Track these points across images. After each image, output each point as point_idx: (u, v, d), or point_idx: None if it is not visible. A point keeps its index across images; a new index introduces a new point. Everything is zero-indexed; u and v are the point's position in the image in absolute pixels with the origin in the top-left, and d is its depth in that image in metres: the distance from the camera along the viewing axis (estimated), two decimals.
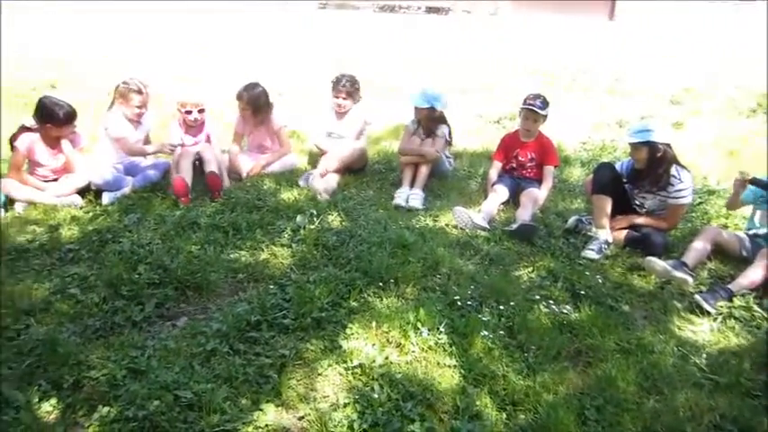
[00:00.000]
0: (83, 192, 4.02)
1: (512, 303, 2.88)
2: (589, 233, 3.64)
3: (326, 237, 3.45)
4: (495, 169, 4.29)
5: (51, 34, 12.16)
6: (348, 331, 2.62)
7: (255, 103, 4.48)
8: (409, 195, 4.13)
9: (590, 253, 3.44)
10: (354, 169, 4.61)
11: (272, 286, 2.98)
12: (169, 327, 2.71)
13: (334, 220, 3.75)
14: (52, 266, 3.16)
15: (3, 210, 3.76)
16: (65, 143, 4.00)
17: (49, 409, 2.17)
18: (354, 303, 2.84)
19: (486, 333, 2.62)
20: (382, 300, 2.87)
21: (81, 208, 3.87)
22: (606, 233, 3.55)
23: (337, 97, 4.55)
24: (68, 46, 10.68)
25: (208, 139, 4.59)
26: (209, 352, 2.46)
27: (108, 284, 2.91)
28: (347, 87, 4.51)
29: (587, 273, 3.24)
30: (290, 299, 2.83)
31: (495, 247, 3.51)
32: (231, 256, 3.29)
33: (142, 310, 2.76)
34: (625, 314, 2.90)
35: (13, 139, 3.95)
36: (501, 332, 2.66)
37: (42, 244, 3.37)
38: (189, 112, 4.44)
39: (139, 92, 4.20)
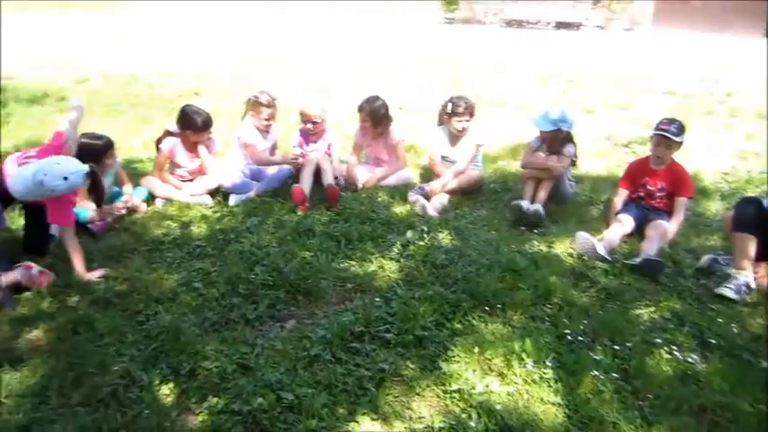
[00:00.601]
0: (213, 193, 4.35)
1: (628, 344, 2.67)
2: (726, 272, 3.29)
3: (435, 254, 3.44)
4: (620, 197, 4.02)
5: (196, 46, 13.34)
6: (449, 353, 2.58)
7: (375, 116, 4.59)
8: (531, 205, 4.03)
9: (726, 291, 3.09)
10: (469, 192, 4.56)
11: (377, 299, 3.01)
12: (278, 328, 2.83)
13: (445, 237, 3.72)
14: (181, 260, 3.44)
15: (145, 204, 4.17)
16: (201, 148, 4.35)
17: (166, 392, 2.35)
18: (458, 325, 2.79)
19: (597, 373, 2.45)
20: (487, 325, 2.80)
21: (210, 208, 4.19)
22: (748, 276, 3.19)
23: (454, 121, 4.48)
24: (211, 58, 11.64)
25: (328, 150, 4.76)
26: (313, 357, 2.53)
27: (227, 281, 3.11)
28: (464, 111, 4.44)
29: (720, 319, 2.93)
30: (395, 313, 2.84)
31: (614, 281, 3.29)
32: (341, 265, 3.38)
33: (255, 309, 2.91)
34: (765, 372, 2.58)
35: (158, 142, 4.37)
36: (614, 374, 2.48)
37: (175, 238, 3.69)
38: (309, 123, 4.64)
39: (268, 105, 4.47)
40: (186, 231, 3.79)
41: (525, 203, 4.01)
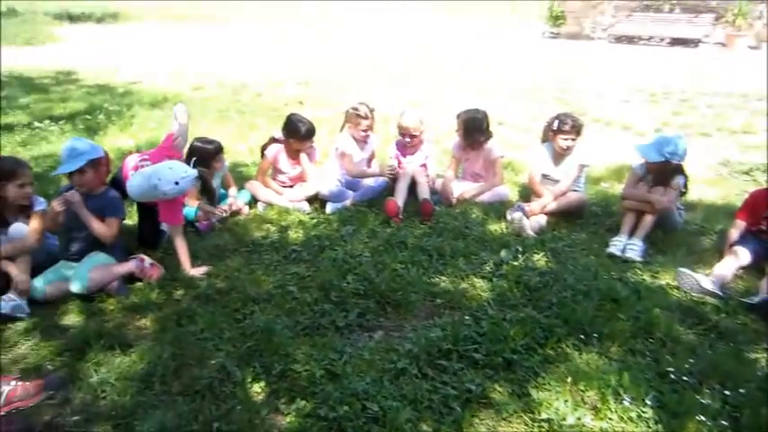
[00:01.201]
0: (311, 200, 4.49)
1: (741, 390, 2.44)
2: None
3: (529, 276, 3.33)
4: (736, 229, 3.69)
5: (303, 55, 13.89)
6: (540, 380, 2.48)
7: (468, 126, 4.53)
8: (627, 245, 3.76)
9: None
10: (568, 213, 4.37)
11: (467, 317, 2.96)
12: (366, 337, 2.85)
13: (540, 259, 3.60)
14: (278, 263, 3.57)
15: (247, 207, 4.38)
16: (303, 156, 4.52)
17: (258, 390, 2.44)
18: (550, 352, 2.68)
19: (704, 418, 2.26)
20: (582, 354, 2.67)
21: (308, 214, 4.32)
22: None
23: (559, 138, 4.29)
24: (315, 68, 12.06)
25: (424, 163, 4.77)
26: (400, 370, 2.53)
27: (320, 287, 3.19)
28: (570, 129, 4.24)
29: None
30: (484, 333, 2.78)
31: (726, 319, 3.02)
32: (432, 279, 3.36)
33: (346, 317, 2.96)
34: None
35: (263, 148, 4.58)
36: (723, 422, 2.27)
37: (273, 242, 3.84)
38: (407, 136, 4.67)
39: (366, 117, 4.55)
40: (284, 235, 3.94)
41: (619, 248, 3.78)
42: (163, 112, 7.77)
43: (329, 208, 4.37)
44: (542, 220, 4.16)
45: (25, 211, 3.34)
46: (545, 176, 4.44)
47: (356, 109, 4.58)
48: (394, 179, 4.53)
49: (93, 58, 13.50)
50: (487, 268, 3.48)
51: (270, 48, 15.03)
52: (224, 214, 4.19)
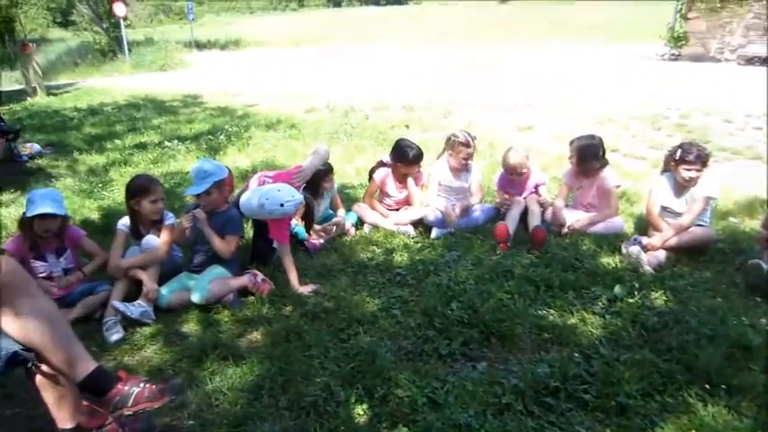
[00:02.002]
0: (416, 224, 4.51)
1: None
2: None
3: (646, 315, 3.11)
4: None
5: (411, 78, 14.12)
6: (657, 430, 2.30)
7: (582, 153, 4.35)
8: None
9: None
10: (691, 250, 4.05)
11: (576, 354, 2.81)
12: (469, 368, 2.79)
13: (658, 298, 3.36)
14: (383, 285, 3.61)
15: (354, 228, 4.49)
16: (410, 180, 4.56)
17: (360, 412, 2.46)
18: (670, 400, 2.48)
19: None
20: (707, 406, 2.43)
21: (413, 238, 4.35)
22: None
23: (682, 169, 3.97)
24: (422, 92, 12.19)
25: (536, 189, 4.65)
26: (504, 405, 2.45)
27: (424, 313, 3.17)
28: (695, 159, 3.91)
29: None
30: (595, 374, 2.62)
31: None
32: (539, 312, 3.24)
33: (449, 344, 2.92)
34: None
35: (372, 171, 4.69)
36: None
37: (378, 264, 3.90)
38: (513, 174, 4.57)
39: (467, 145, 4.48)
40: (389, 258, 3.99)
41: (766, 264, 3.44)
42: (277, 133, 8.21)
43: (434, 233, 4.36)
44: (661, 255, 3.89)
45: (157, 225, 3.64)
46: (665, 209, 4.15)
47: (456, 136, 4.53)
48: (499, 210, 4.47)
49: (216, 82, 14.61)
50: (600, 304, 3.30)
51: (380, 70, 15.46)
52: (331, 235, 4.31)
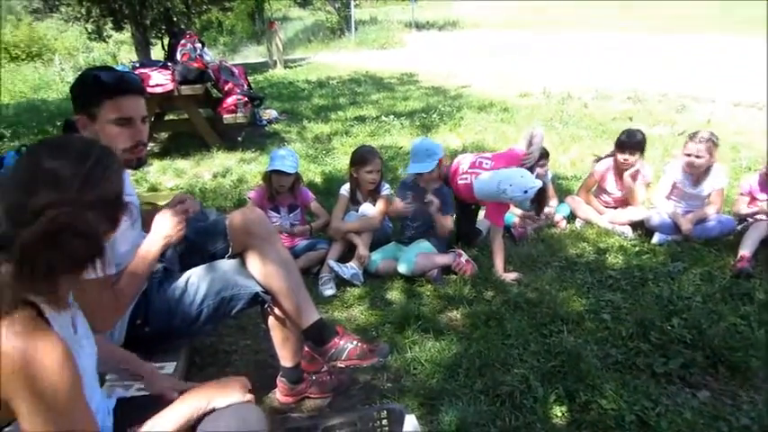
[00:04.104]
0: (635, 225, 4.13)
1: None
2: None
3: None
4: None
5: (637, 67, 12.89)
6: None
7: None
8: None
9: None
10: None
11: None
12: (688, 394, 2.49)
13: None
14: (591, 286, 3.38)
15: (565, 221, 4.27)
16: (626, 175, 4.14)
17: (558, 414, 2.35)
18: None
19: None
20: None
21: (629, 240, 3.99)
22: None
23: None
24: (649, 81, 11.06)
25: None
26: None
27: (638, 323, 2.90)
28: None
29: None
30: None
31: None
32: None
33: (665, 363, 2.63)
34: None
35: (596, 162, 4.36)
36: None
37: (588, 262, 3.66)
38: None
39: (705, 141, 3.87)
40: (601, 258, 3.72)
41: None
42: (489, 116, 8.14)
43: (656, 238, 3.93)
44: None
45: (373, 194, 3.86)
46: None
47: (694, 137, 3.95)
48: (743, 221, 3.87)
49: (431, 61, 14.96)
50: None
51: (601, 57, 14.40)
52: (539, 224, 4.16)
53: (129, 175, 3.17)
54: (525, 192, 3.36)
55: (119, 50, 21.80)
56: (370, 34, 23.24)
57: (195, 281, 2.13)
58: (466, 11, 28.25)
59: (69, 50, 23.09)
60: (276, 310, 2.28)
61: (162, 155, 6.76)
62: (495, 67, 13.29)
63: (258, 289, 2.18)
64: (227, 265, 2.19)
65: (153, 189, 5.55)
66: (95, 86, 1.88)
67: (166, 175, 5.99)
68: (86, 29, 17.20)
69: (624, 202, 4.30)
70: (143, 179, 5.78)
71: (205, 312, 2.11)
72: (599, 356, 2.69)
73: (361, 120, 8.13)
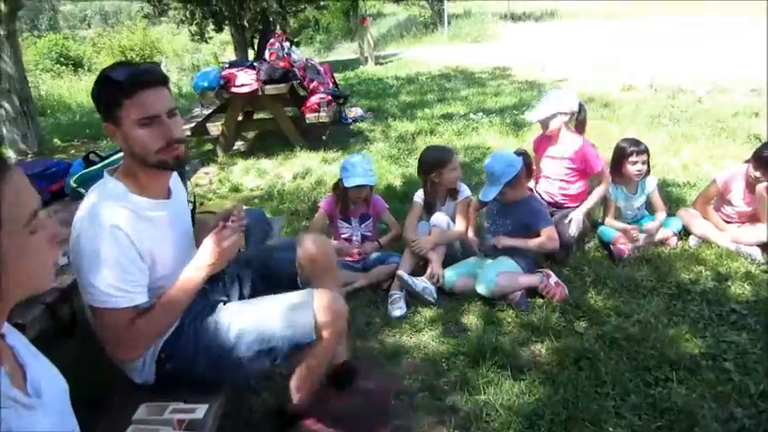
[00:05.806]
0: (766, 247, 3.45)
1: None
2: None
3: None
4: None
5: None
6: None
7: None
8: None
9: None
10: None
11: None
12: None
13: None
14: (710, 321, 2.81)
15: (676, 238, 3.66)
16: (759, 187, 3.46)
17: None
18: None
19: None
20: None
21: (759, 265, 3.32)
22: None
23: None
24: None
25: None
26: None
27: None
28: None
29: None
30: None
31: None
32: None
33: None
34: None
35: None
36: None
37: (705, 291, 3.07)
38: None
39: None
40: (721, 286, 3.11)
41: None
42: (588, 111, 7.43)
43: None
44: None
45: (453, 194, 3.52)
46: None
47: None
48: None
49: (526, 54, 14.20)
50: None
51: (715, 46, 12.96)
52: (650, 241, 3.61)
53: (189, 176, 3.03)
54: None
55: (224, 51, 22.75)
56: (463, 28, 22.64)
57: (232, 320, 1.87)
58: (563, 1, 26.78)
59: (176, 52, 24.46)
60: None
61: (247, 154, 6.75)
62: (596, 60, 12.32)
63: (303, 340, 1.88)
64: (275, 308, 1.90)
65: (235, 189, 5.52)
66: (109, 87, 1.63)
67: (249, 176, 5.94)
68: (190, 31, 17.92)
69: (753, 217, 3.58)
70: (226, 179, 5.76)
71: (239, 361, 1.85)
72: (719, 418, 2.17)
73: (448, 117, 7.74)
